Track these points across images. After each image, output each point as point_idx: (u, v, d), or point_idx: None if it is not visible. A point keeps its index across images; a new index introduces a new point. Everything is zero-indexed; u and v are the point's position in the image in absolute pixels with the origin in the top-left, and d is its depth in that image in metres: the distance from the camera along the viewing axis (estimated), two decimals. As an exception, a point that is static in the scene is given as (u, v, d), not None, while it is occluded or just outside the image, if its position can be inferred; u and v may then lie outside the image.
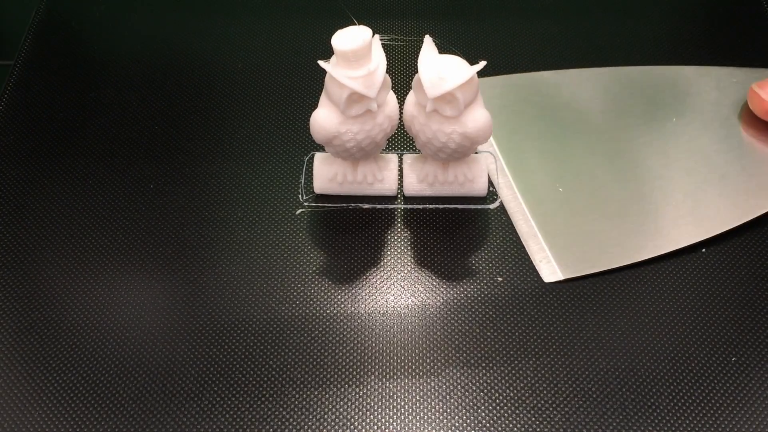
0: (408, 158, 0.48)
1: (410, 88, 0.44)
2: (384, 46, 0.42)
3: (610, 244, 0.45)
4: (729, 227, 0.45)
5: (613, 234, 0.45)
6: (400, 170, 0.48)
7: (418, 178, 0.47)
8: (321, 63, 0.41)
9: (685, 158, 0.49)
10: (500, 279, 0.44)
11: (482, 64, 0.41)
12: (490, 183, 0.48)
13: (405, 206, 0.47)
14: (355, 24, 0.40)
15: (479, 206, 0.47)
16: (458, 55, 0.42)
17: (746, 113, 0.50)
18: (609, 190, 0.47)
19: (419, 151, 0.47)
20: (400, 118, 0.45)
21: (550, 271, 0.44)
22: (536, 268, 0.44)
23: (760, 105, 0.49)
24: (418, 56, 0.42)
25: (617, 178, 0.48)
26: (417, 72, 0.42)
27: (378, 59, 0.41)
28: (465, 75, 0.41)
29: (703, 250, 0.45)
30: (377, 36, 0.41)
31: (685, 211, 0.46)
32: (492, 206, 0.47)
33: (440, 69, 0.41)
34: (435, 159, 0.46)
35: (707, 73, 0.53)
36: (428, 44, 0.42)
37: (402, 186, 0.48)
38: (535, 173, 0.49)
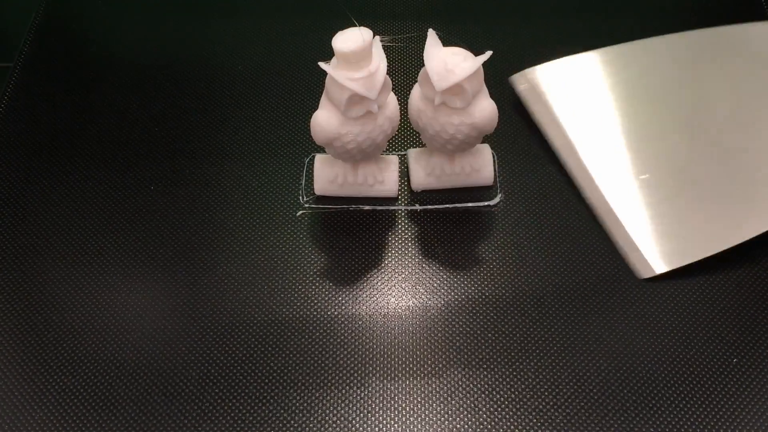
0: (413, 152, 0.48)
1: (411, 89, 0.44)
2: (384, 47, 0.42)
3: (705, 229, 0.43)
4: None
5: (707, 218, 0.44)
6: (402, 170, 0.48)
7: (425, 172, 0.47)
8: (321, 64, 0.41)
9: None
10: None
11: (488, 54, 0.41)
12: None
13: (405, 207, 0.47)
14: (356, 26, 0.40)
15: (481, 204, 0.47)
16: (463, 48, 0.42)
17: None
18: (694, 170, 0.46)
19: (423, 145, 0.47)
20: (401, 119, 0.45)
21: (644, 266, 0.43)
22: (629, 264, 0.43)
23: None
24: (418, 57, 0.42)
25: (701, 155, 0.46)
26: (421, 68, 0.42)
27: (378, 61, 0.41)
28: (472, 66, 0.41)
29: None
30: (378, 37, 0.41)
31: None
32: (493, 203, 0.47)
33: (447, 61, 0.41)
34: (441, 152, 0.46)
35: None
36: (432, 37, 0.42)
37: (410, 181, 0.48)
38: (613, 162, 0.47)
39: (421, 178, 0.47)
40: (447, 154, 0.46)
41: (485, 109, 0.43)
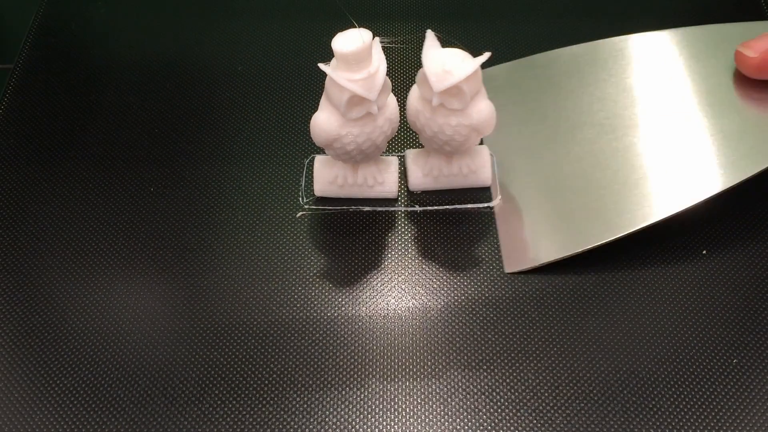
0: (411, 153, 0.48)
1: (410, 90, 0.44)
2: (384, 48, 0.42)
3: (580, 224, 0.44)
4: (724, 188, 0.43)
5: (587, 212, 0.45)
6: (401, 170, 0.48)
7: (423, 173, 0.47)
8: (321, 66, 0.41)
9: (672, 123, 0.47)
10: (704, 252, 0.44)
11: (486, 55, 0.41)
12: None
13: (405, 208, 0.47)
14: (355, 27, 0.40)
15: (480, 205, 0.47)
16: (461, 49, 0.42)
17: (737, 73, 0.48)
18: (588, 167, 0.47)
19: (421, 146, 0.47)
20: (401, 121, 0.45)
21: (507, 263, 0.45)
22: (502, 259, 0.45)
23: (747, 63, 0.47)
24: (418, 59, 0.42)
25: (600, 154, 0.47)
26: (420, 68, 0.42)
27: (378, 62, 0.41)
28: (470, 67, 0.41)
29: (704, 252, 0.45)
30: (377, 39, 0.41)
31: (672, 177, 0.45)
32: (493, 204, 0.47)
33: (445, 62, 0.41)
34: (439, 152, 0.46)
35: (692, 35, 0.51)
36: (430, 38, 0.42)
37: (408, 182, 0.48)
38: (517, 164, 0.48)
39: (418, 179, 0.47)
40: (445, 155, 0.46)
41: (483, 111, 0.43)
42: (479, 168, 0.47)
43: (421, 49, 0.42)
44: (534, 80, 0.52)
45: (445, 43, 0.42)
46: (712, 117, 0.47)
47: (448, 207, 0.47)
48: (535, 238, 0.45)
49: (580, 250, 0.44)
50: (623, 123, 0.48)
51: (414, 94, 0.44)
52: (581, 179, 0.46)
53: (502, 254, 0.45)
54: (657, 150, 0.46)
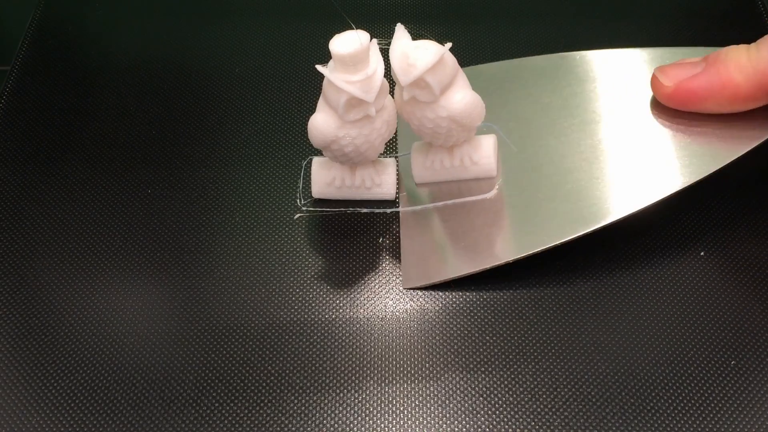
0: (416, 146, 0.48)
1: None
2: (382, 50, 0.42)
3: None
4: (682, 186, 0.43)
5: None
6: (400, 172, 0.48)
7: (424, 165, 0.47)
8: (319, 67, 0.41)
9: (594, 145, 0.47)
10: (702, 253, 0.44)
11: (448, 45, 0.41)
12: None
13: (403, 209, 0.47)
14: (353, 28, 0.40)
15: (477, 197, 0.46)
16: (431, 40, 0.41)
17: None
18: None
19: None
20: (398, 122, 0.45)
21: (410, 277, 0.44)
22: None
23: (661, 91, 0.46)
24: None
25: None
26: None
27: (376, 63, 0.41)
28: (431, 59, 0.40)
29: (702, 253, 0.45)
30: (375, 40, 0.41)
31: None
32: (489, 195, 0.46)
33: (408, 55, 0.41)
34: (437, 144, 0.46)
35: (612, 57, 0.51)
36: (399, 31, 0.42)
37: (412, 174, 0.47)
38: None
39: (420, 170, 0.47)
40: (445, 146, 0.46)
41: (459, 102, 0.42)
42: (480, 159, 0.46)
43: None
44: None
45: (417, 37, 0.42)
46: (675, 127, 0.46)
47: (447, 202, 0.47)
48: (437, 254, 0.45)
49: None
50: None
51: (396, 88, 0.44)
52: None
53: (402, 267, 0.45)
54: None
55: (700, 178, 0.43)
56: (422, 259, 0.45)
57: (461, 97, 0.42)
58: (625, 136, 0.47)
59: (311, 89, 0.44)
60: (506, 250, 0.44)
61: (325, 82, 0.42)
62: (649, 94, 0.48)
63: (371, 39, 0.41)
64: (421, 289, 0.44)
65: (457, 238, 0.45)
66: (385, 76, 0.42)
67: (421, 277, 0.44)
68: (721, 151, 0.44)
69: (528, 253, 0.43)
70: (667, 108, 0.47)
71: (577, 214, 0.44)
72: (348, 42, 0.40)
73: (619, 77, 0.50)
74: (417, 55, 0.41)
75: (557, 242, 0.43)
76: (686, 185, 0.43)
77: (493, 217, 0.46)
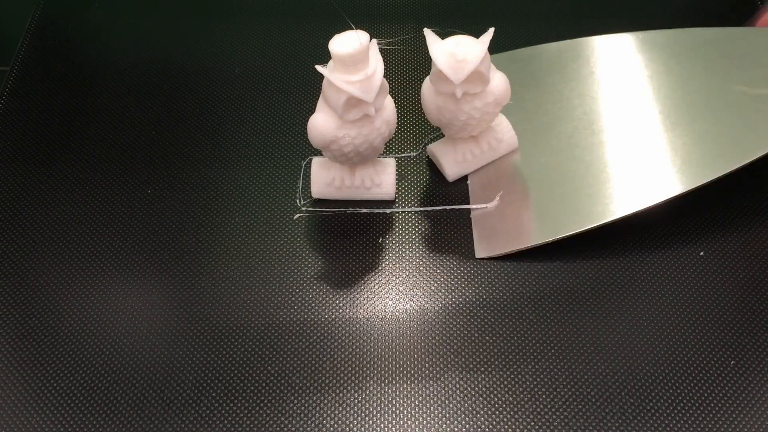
0: (434, 147, 0.49)
1: (407, 93, 0.44)
2: (382, 50, 0.42)
3: (552, 214, 0.45)
4: (689, 188, 0.43)
5: (560, 204, 0.45)
6: (399, 173, 0.48)
7: (455, 160, 0.48)
8: (318, 67, 0.41)
9: (647, 121, 0.47)
10: (702, 253, 0.44)
11: (491, 31, 0.42)
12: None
13: (402, 210, 0.47)
14: (353, 28, 0.40)
15: (479, 206, 0.47)
16: (461, 34, 0.42)
17: (713, 76, 0.48)
18: (564, 160, 0.47)
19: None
20: (397, 123, 0.45)
21: (481, 248, 0.45)
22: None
23: None
24: (415, 60, 0.42)
25: (576, 148, 0.47)
26: (423, 69, 0.42)
27: (375, 63, 0.41)
28: (481, 48, 0.42)
29: (702, 253, 0.45)
30: (375, 40, 0.41)
31: (642, 174, 0.45)
32: (490, 205, 0.47)
33: (455, 53, 0.42)
34: (467, 136, 0.47)
35: (673, 37, 0.51)
36: (430, 35, 0.43)
37: (445, 173, 0.48)
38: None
39: (453, 168, 0.48)
40: (473, 138, 0.47)
41: (500, 83, 0.44)
42: (505, 135, 0.48)
43: (420, 51, 0.42)
44: (517, 73, 0.52)
45: (443, 36, 0.42)
46: (687, 117, 0.47)
47: (446, 207, 0.47)
48: (507, 227, 0.46)
49: (549, 239, 0.44)
50: (600, 119, 0.48)
51: (428, 93, 0.45)
52: (556, 171, 0.47)
53: (474, 241, 0.46)
54: (630, 146, 0.47)
55: (707, 181, 0.43)
56: (492, 232, 0.46)
57: (499, 78, 0.44)
58: (639, 131, 0.47)
59: (312, 89, 0.43)
60: (575, 222, 0.44)
61: (324, 82, 0.42)
62: (661, 80, 0.49)
63: (371, 39, 0.41)
64: (492, 259, 0.45)
65: (523, 212, 0.46)
66: (384, 76, 0.42)
67: (493, 247, 0.45)
68: (731, 155, 0.44)
69: (597, 224, 0.43)
70: (681, 98, 0.47)
71: (638, 189, 0.44)
72: (347, 42, 0.40)
73: (633, 62, 0.50)
74: (464, 50, 0.42)
75: (623, 214, 0.43)
76: (694, 187, 0.43)
77: (557, 193, 0.46)
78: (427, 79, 0.45)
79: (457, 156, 0.48)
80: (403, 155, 0.49)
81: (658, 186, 0.44)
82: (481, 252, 0.45)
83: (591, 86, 0.50)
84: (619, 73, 0.50)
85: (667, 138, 0.46)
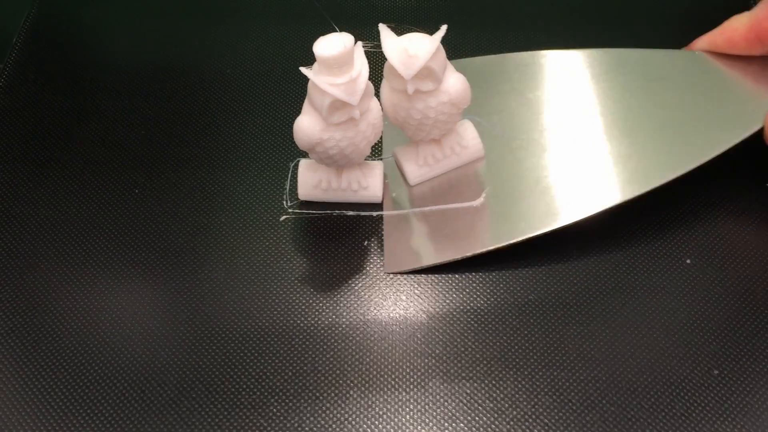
0: (398, 150, 0.48)
1: (381, 88, 0.44)
2: (366, 53, 0.42)
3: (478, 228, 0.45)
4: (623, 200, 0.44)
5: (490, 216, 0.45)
6: (388, 174, 0.48)
7: (417, 164, 0.47)
8: (303, 69, 0.41)
9: (582, 135, 0.48)
10: (688, 261, 0.44)
11: (443, 28, 0.41)
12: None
13: (389, 213, 0.47)
14: (337, 31, 0.40)
15: (461, 205, 0.46)
16: (416, 31, 0.42)
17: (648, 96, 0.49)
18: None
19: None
20: (384, 125, 0.45)
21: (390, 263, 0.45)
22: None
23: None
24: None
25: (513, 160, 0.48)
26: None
27: (360, 66, 0.41)
28: (432, 45, 0.41)
29: (688, 261, 0.44)
30: (360, 43, 0.41)
31: (577, 187, 0.46)
32: (476, 203, 0.46)
33: (407, 47, 0.41)
34: (428, 139, 0.46)
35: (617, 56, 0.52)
36: (384, 30, 0.42)
37: (406, 178, 0.48)
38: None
39: (414, 171, 0.47)
40: (435, 141, 0.47)
41: (456, 83, 0.43)
42: (469, 142, 0.47)
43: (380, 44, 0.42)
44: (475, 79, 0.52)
45: (399, 32, 0.42)
46: (620, 134, 0.48)
47: (432, 208, 0.47)
48: (418, 242, 0.46)
49: (469, 254, 0.44)
50: (533, 135, 0.49)
51: (386, 90, 0.44)
52: (490, 182, 0.47)
53: (384, 254, 0.45)
54: (564, 160, 0.47)
55: (673, 177, 0.44)
56: (405, 245, 0.45)
57: (455, 79, 0.44)
58: (603, 135, 0.48)
59: (302, 91, 0.43)
60: (484, 240, 0.45)
61: (309, 84, 0.42)
62: (631, 93, 0.49)
63: (356, 42, 0.41)
64: (401, 273, 0.44)
65: (439, 227, 0.46)
66: (369, 79, 0.41)
67: (403, 263, 0.45)
68: (694, 151, 0.45)
69: (504, 243, 0.44)
70: (646, 106, 0.48)
71: (554, 209, 0.45)
72: (332, 44, 0.40)
73: (602, 76, 0.51)
74: (416, 45, 0.41)
75: (532, 234, 0.44)
76: (659, 184, 0.44)
77: (475, 208, 0.46)
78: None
79: (419, 159, 0.47)
80: (389, 158, 0.49)
81: (593, 198, 0.45)
82: (390, 267, 0.45)
83: (539, 99, 0.50)
84: (566, 88, 0.51)
85: (605, 150, 0.47)
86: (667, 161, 0.45)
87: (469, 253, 0.44)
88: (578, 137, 0.48)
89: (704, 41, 0.50)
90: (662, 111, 0.48)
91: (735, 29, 0.48)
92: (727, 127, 0.46)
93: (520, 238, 0.44)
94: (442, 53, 0.43)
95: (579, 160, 0.47)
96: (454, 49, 0.44)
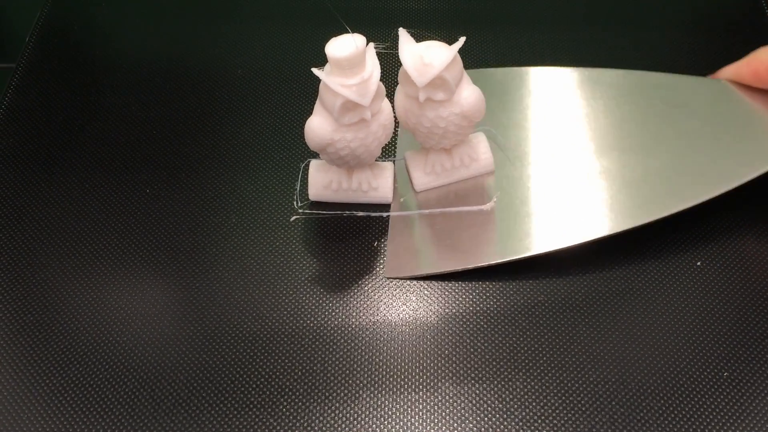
0: (409, 155, 0.48)
1: (396, 92, 0.44)
2: (378, 54, 0.42)
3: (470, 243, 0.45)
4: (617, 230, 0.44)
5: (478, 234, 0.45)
6: (398, 175, 0.48)
7: (424, 171, 0.47)
8: (315, 70, 0.41)
9: (579, 160, 0.48)
10: (699, 263, 0.44)
11: (462, 40, 0.41)
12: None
13: (399, 214, 0.47)
14: (349, 32, 0.40)
15: (472, 208, 0.46)
16: (436, 40, 0.42)
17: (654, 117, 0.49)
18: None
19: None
20: (395, 126, 0.45)
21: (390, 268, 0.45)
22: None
23: None
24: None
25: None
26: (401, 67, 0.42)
27: (372, 67, 0.41)
28: (449, 55, 0.41)
29: (699, 263, 0.44)
30: (372, 44, 0.41)
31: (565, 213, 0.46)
32: (486, 207, 0.46)
33: (423, 55, 0.41)
34: (438, 147, 0.46)
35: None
36: (404, 35, 0.42)
37: (412, 184, 0.48)
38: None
39: (421, 178, 0.47)
40: (444, 150, 0.46)
41: (470, 96, 0.43)
42: (479, 155, 0.47)
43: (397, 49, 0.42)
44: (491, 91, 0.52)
45: (419, 38, 0.42)
46: (636, 158, 0.47)
47: (443, 210, 0.47)
48: (421, 249, 0.46)
49: (471, 266, 0.44)
50: (547, 152, 0.48)
51: (400, 94, 0.44)
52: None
53: (386, 260, 0.45)
54: (577, 181, 0.47)
55: (686, 207, 0.44)
56: (406, 252, 0.45)
57: (470, 92, 0.43)
58: (619, 158, 0.47)
59: (313, 91, 0.44)
60: (487, 254, 0.44)
61: (321, 85, 0.42)
62: (652, 118, 0.49)
63: (368, 43, 0.41)
64: (401, 279, 0.44)
65: (442, 237, 0.46)
66: (381, 80, 0.42)
67: (402, 269, 0.44)
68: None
69: (505, 260, 0.44)
70: (666, 132, 0.48)
71: (560, 229, 0.45)
72: (344, 45, 0.40)
73: (624, 98, 0.50)
74: (432, 53, 0.41)
75: (535, 253, 0.44)
76: (670, 213, 0.44)
77: (482, 221, 0.46)
78: None
79: (426, 167, 0.47)
80: (401, 159, 0.49)
81: (581, 227, 0.44)
82: (390, 272, 0.45)
83: (558, 116, 0.50)
84: (586, 108, 0.50)
85: (620, 174, 0.47)
86: (681, 190, 0.45)
87: (470, 266, 0.44)
88: (594, 158, 0.48)
89: (730, 71, 0.49)
90: (682, 138, 0.47)
91: (762, 62, 0.47)
92: (746, 160, 0.45)
93: (521, 255, 0.44)
94: (459, 64, 0.42)
95: (592, 182, 0.46)
96: (468, 56, 0.44)
